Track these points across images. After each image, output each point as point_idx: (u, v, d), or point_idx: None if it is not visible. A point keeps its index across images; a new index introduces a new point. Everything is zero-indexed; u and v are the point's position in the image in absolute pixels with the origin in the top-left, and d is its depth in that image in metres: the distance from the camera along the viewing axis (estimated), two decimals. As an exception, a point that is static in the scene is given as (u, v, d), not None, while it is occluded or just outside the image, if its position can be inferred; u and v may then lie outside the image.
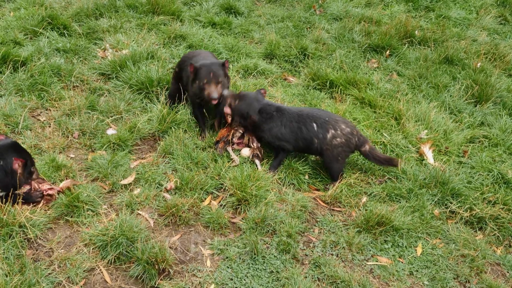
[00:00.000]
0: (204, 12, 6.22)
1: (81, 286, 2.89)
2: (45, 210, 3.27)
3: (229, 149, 3.95)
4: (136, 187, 3.60)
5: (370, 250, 3.41)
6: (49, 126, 4.02)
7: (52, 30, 5.25)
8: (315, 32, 6.10)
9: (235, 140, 3.99)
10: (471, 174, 4.18)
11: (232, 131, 4.00)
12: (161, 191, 3.59)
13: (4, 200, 3.12)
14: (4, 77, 4.40)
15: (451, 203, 3.84)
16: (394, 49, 5.96)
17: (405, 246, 3.47)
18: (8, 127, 3.91)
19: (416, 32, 6.29)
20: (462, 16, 7.17)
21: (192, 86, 4.03)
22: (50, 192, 3.33)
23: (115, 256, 3.04)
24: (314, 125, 3.84)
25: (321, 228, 3.54)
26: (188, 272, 3.08)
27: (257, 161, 3.89)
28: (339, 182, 3.83)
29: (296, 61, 5.57)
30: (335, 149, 3.82)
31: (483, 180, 4.12)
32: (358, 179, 3.96)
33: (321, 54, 5.70)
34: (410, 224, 3.59)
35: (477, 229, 3.74)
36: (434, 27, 6.63)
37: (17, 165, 3.13)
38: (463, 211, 3.77)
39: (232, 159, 3.88)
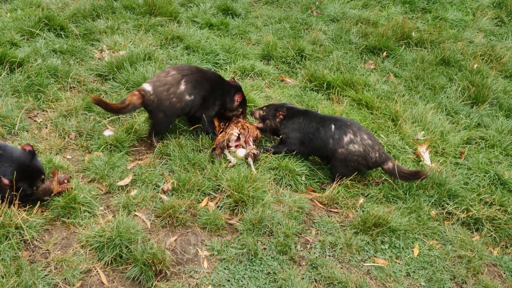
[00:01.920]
0: (201, 13, 6.21)
1: (77, 288, 2.89)
2: (41, 212, 3.26)
3: (226, 151, 3.95)
4: (133, 188, 3.59)
5: (367, 251, 3.41)
6: (46, 127, 4.01)
7: (49, 31, 5.23)
8: (312, 33, 6.11)
9: (231, 144, 4.00)
10: (467, 175, 4.19)
11: (227, 135, 4.00)
12: (158, 192, 3.58)
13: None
14: (1, 78, 4.38)
15: (447, 204, 3.85)
16: (391, 50, 5.97)
17: (402, 247, 3.48)
18: (5, 129, 3.90)
19: (413, 33, 6.30)
20: (459, 17, 7.20)
21: None
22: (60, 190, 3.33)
23: (112, 257, 3.03)
24: (333, 126, 3.86)
25: (318, 229, 3.54)
26: (185, 274, 3.07)
27: (250, 161, 3.88)
28: (336, 183, 3.84)
29: (293, 62, 5.58)
30: (350, 156, 3.80)
31: (479, 181, 4.14)
32: (355, 180, 3.96)
33: (318, 55, 5.71)
34: (407, 225, 3.60)
35: (474, 230, 3.75)
36: (431, 28, 6.65)
37: (6, 181, 3.02)
38: (460, 212, 3.78)
39: (228, 159, 3.88)
